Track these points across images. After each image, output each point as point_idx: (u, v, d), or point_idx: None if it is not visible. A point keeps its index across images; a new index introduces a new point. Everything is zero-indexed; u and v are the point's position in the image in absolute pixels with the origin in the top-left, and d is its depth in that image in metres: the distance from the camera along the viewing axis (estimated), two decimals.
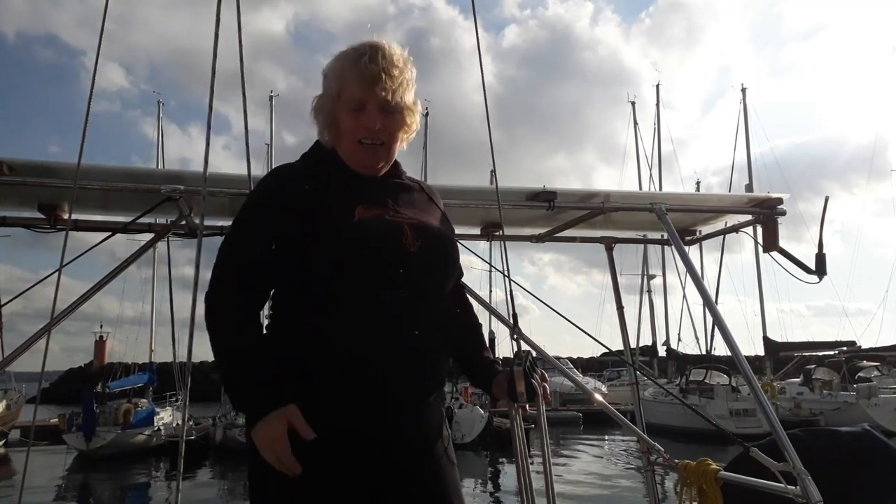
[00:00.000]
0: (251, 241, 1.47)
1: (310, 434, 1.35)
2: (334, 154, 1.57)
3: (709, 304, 2.78)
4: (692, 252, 3.01)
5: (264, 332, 1.51)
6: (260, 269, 1.46)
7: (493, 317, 2.93)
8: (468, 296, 1.81)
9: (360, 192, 1.51)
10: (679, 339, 30.16)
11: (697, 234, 3.15)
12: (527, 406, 1.70)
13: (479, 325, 1.78)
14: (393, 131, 1.54)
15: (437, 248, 1.53)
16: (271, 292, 1.52)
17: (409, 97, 1.56)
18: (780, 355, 26.64)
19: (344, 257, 1.41)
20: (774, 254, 2.80)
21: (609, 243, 3.12)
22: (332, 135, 1.57)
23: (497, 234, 2.85)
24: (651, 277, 31.97)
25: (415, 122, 1.60)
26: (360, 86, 1.48)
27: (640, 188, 30.25)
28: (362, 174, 1.55)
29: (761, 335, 26.63)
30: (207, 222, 2.08)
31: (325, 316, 1.41)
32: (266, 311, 1.56)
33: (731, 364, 21.89)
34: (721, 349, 27.39)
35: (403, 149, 1.63)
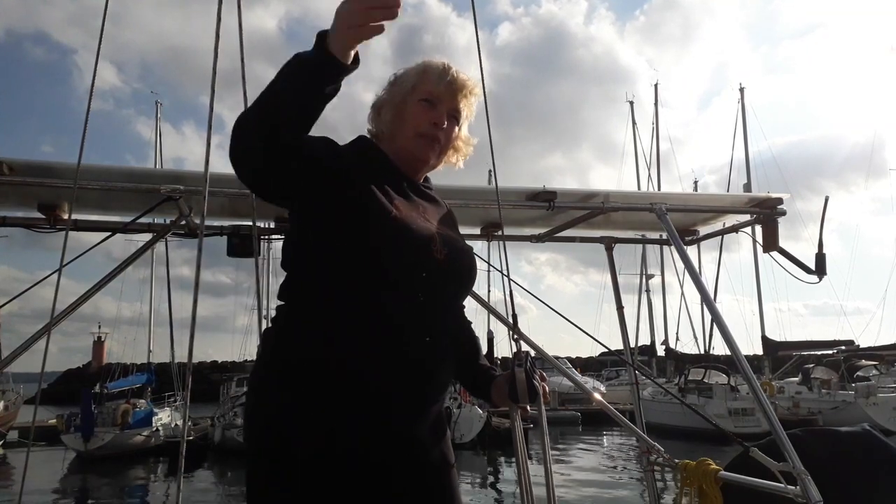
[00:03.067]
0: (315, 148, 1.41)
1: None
2: (379, 149, 1.60)
3: (708, 303, 2.77)
4: (691, 251, 3.01)
5: (270, 325, 1.50)
6: (306, 234, 1.43)
7: (492, 316, 2.92)
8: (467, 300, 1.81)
9: (396, 191, 1.52)
10: (677, 339, 30.20)
11: (697, 234, 3.15)
12: (527, 407, 1.70)
13: (476, 338, 1.79)
14: (450, 137, 1.62)
15: (460, 260, 1.55)
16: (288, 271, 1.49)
17: (465, 127, 1.67)
18: (778, 354, 26.68)
19: (373, 249, 1.40)
20: (774, 254, 2.80)
21: (609, 243, 3.12)
22: (391, 127, 1.59)
23: (497, 234, 2.85)
24: (649, 277, 32.01)
25: (468, 150, 1.72)
26: (442, 86, 1.57)
27: (639, 188, 30.28)
28: (403, 172, 1.58)
29: (760, 334, 26.71)
30: (207, 222, 2.08)
31: (339, 309, 1.39)
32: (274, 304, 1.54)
33: (729, 363, 21.93)
34: (719, 348, 27.48)
35: (456, 167, 1.73)
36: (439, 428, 1.53)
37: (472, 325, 1.82)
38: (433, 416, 1.50)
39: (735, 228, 2.97)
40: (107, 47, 1.99)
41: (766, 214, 2.79)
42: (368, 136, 1.65)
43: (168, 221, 2.53)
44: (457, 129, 1.63)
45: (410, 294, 1.42)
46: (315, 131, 1.64)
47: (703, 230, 3.14)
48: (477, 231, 2.92)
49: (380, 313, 1.39)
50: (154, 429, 19.85)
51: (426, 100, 1.57)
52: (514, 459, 1.97)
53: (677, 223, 2.81)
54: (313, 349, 1.39)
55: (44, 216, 2.38)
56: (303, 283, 1.46)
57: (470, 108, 1.65)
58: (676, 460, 2.46)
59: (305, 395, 1.38)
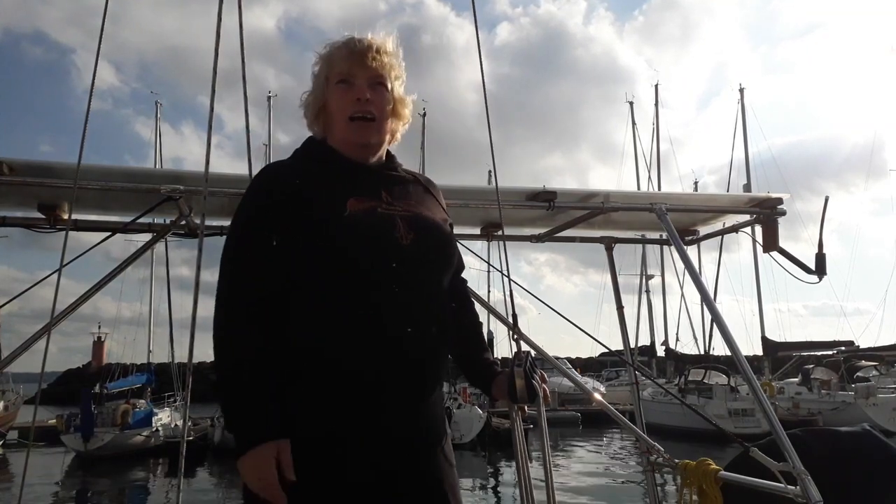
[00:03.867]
0: (255, 244, 1.43)
1: (291, 475, 1.32)
2: (326, 146, 1.57)
3: (708, 303, 2.77)
4: (691, 251, 3.01)
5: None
6: (268, 272, 1.41)
7: (491, 316, 2.93)
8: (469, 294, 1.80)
9: (352, 184, 1.49)
10: (677, 339, 30.18)
11: (697, 234, 3.15)
12: (526, 407, 1.69)
13: (480, 324, 1.75)
14: (383, 107, 1.54)
15: (430, 240, 1.50)
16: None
17: (399, 86, 1.59)
18: (778, 355, 26.67)
19: (335, 253, 1.39)
20: (774, 254, 2.80)
21: (609, 243, 3.12)
22: (323, 123, 1.57)
23: (497, 234, 2.85)
24: (649, 277, 32.00)
25: (407, 113, 1.63)
26: (348, 60, 1.52)
27: (639, 188, 30.28)
28: (355, 161, 1.54)
29: (760, 335, 26.70)
30: (207, 222, 2.08)
31: (317, 314, 1.39)
32: None
33: (729, 364, 21.92)
34: (719, 349, 27.47)
35: (398, 139, 1.64)
36: (434, 423, 1.51)
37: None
38: (427, 411, 1.48)
39: (735, 228, 2.97)
40: (105, 47, 1.99)
41: (766, 214, 2.79)
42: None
43: (168, 221, 2.53)
44: (387, 93, 1.55)
45: (385, 288, 1.40)
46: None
47: (703, 230, 3.14)
48: (477, 231, 2.92)
49: (358, 312, 1.39)
50: (154, 429, 19.83)
51: (342, 81, 1.52)
52: (514, 460, 1.97)
53: (677, 223, 2.81)
54: (302, 353, 1.39)
55: (44, 216, 2.37)
56: (285, 292, 1.45)
57: (391, 67, 1.56)
58: (676, 460, 2.45)
59: (297, 396, 1.38)
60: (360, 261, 1.40)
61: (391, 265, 1.41)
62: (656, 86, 34.50)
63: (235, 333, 1.38)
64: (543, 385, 1.66)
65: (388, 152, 1.63)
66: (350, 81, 1.52)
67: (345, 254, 1.40)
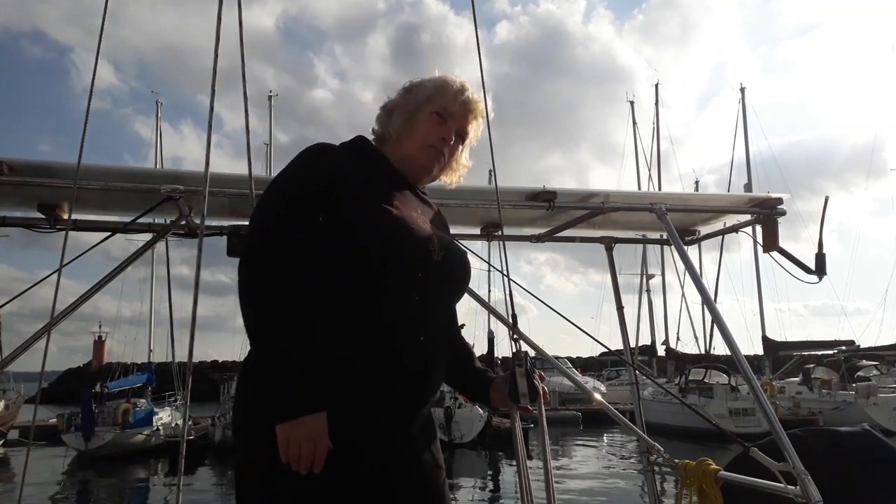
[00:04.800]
0: (299, 206, 1.42)
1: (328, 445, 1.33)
2: (378, 151, 1.62)
3: (708, 303, 2.77)
4: (691, 251, 3.01)
5: None
6: (306, 238, 1.40)
7: (492, 316, 2.93)
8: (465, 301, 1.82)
9: (395, 191, 1.54)
10: (678, 339, 30.19)
11: (697, 234, 3.14)
12: (528, 406, 1.70)
13: (468, 343, 1.80)
14: (453, 156, 1.66)
15: (457, 264, 1.56)
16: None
17: (467, 149, 1.72)
18: (778, 355, 26.68)
19: (378, 248, 1.40)
20: (774, 254, 2.79)
21: (609, 243, 3.12)
22: (400, 133, 1.61)
23: (497, 234, 2.85)
24: (650, 277, 32.00)
25: (460, 175, 1.75)
26: (457, 105, 1.62)
27: (639, 188, 30.27)
28: (402, 176, 1.60)
29: (760, 334, 26.72)
30: (207, 222, 2.08)
31: (336, 310, 1.39)
32: None
33: (730, 363, 21.92)
34: (720, 349, 27.49)
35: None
36: (429, 428, 1.55)
37: (471, 326, 1.83)
38: (423, 416, 1.51)
39: (735, 228, 2.97)
40: (104, 45, 1.99)
41: (766, 214, 2.79)
42: (372, 135, 1.67)
43: (168, 221, 2.53)
44: (460, 148, 1.67)
45: (406, 293, 1.43)
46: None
47: (704, 230, 3.14)
48: (477, 231, 2.92)
49: (375, 312, 1.40)
50: (154, 428, 19.85)
51: (439, 114, 1.60)
52: (514, 459, 1.98)
53: (677, 223, 2.81)
54: (318, 344, 1.38)
55: (44, 216, 2.38)
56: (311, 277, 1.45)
57: (476, 132, 1.69)
58: (676, 460, 2.45)
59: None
60: (395, 260, 1.41)
61: (419, 274, 1.44)
62: (656, 85, 34.59)
63: (278, 296, 1.34)
64: (542, 384, 1.67)
65: None
66: (446, 120, 1.61)
67: (383, 250, 1.40)
